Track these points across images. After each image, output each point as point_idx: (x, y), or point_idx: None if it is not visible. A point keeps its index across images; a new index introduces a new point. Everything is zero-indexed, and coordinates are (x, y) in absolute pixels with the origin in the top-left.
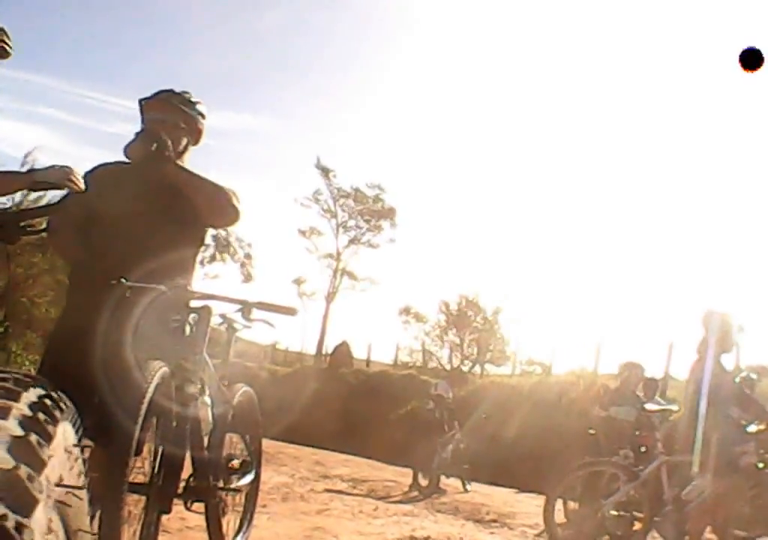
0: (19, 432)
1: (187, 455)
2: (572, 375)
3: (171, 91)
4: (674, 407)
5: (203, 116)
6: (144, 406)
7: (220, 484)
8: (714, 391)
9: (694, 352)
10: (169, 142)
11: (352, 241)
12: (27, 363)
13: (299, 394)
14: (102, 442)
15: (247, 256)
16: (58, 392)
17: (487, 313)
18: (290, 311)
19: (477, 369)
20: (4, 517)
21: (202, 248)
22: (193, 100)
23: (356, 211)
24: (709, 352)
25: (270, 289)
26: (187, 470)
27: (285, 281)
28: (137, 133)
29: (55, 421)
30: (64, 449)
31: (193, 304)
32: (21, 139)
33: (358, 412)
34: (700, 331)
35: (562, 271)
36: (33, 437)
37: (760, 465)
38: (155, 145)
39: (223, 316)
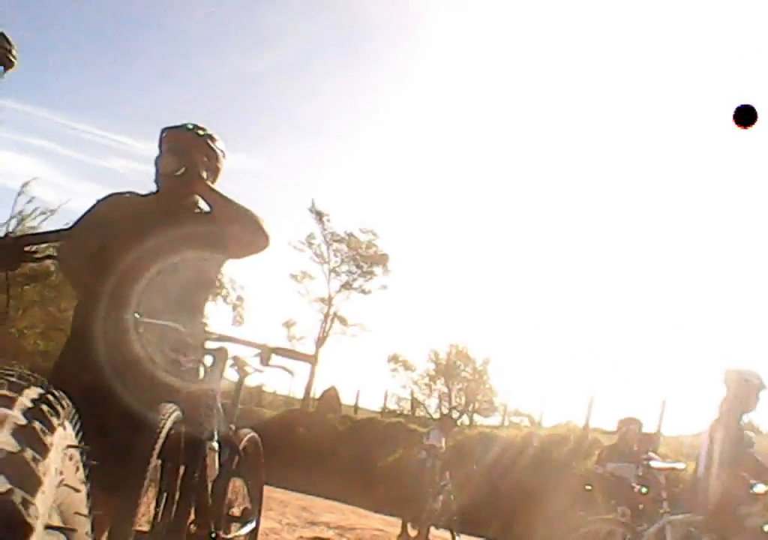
0: (23, 421)
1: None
2: (562, 428)
3: (195, 125)
4: (680, 465)
5: (224, 154)
6: (155, 453)
7: (221, 533)
8: (729, 451)
9: (715, 410)
10: (199, 163)
11: (344, 286)
12: None
13: (286, 437)
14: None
15: (239, 298)
16: (59, 392)
17: (477, 363)
18: (310, 359)
19: (465, 419)
20: (10, 491)
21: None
22: (215, 136)
23: (349, 256)
24: (730, 412)
25: (260, 332)
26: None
27: (275, 324)
28: (158, 157)
29: (56, 416)
30: (64, 446)
31: (209, 345)
32: (15, 169)
33: (345, 458)
34: (721, 390)
35: (554, 322)
36: (37, 425)
37: (766, 528)
38: (183, 167)
39: (235, 358)
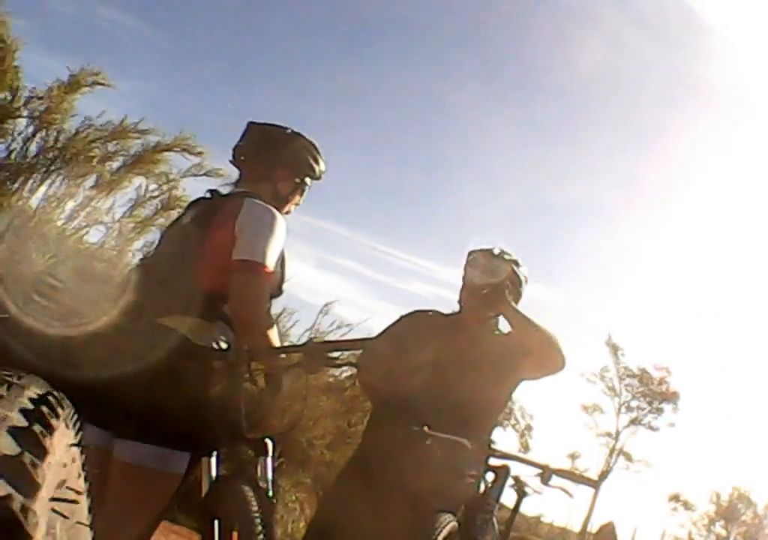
0: (23, 422)
1: None
2: None
3: (502, 249)
4: None
5: (527, 280)
6: None
7: None
8: None
9: None
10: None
11: (632, 422)
12: (294, 499)
13: None
14: None
15: (528, 427)
16: (59, 392)
17: (758, 508)
18: (592, 483)
19: None
20: (9, 496)
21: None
22: (520, 262)
23: (640, 391)
24: None
25: (543, 460)
26: None
27: (559, 454)
28: (465, 275)
29: (56, 416)
30: (65, 446)
31: (492, 461)
32: (317, 286)
33: None
34: None
35: None
36: (36, 427)
37: None
38: (490, 286)
39: (515, 478)
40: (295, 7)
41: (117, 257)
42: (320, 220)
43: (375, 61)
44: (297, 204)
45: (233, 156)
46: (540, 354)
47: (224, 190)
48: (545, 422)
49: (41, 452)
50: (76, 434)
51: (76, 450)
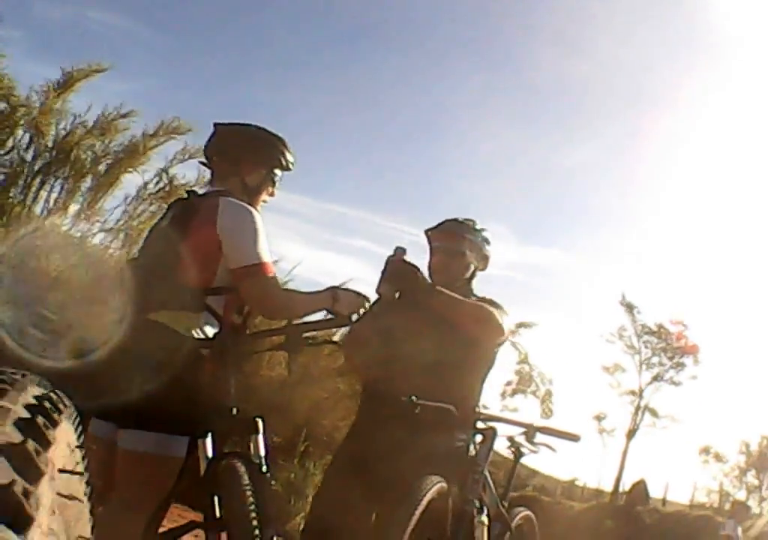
0: (26, 414)
1: None
2: None
3: (455, 220)
4: None
5: (488, 242)
6: (414, 518)
7: None
8: None
9: None
10: (419, 279)
11: (654, 378)
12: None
13: (594, 529)
14: None
15: (548, 392)
16: (59, 392)
17: None
18: (574, 437)
19: None
20: (13, 482)
21: (491, 370)
22: (477, 227)
23: (659, 347)
24: None
25: (568, 425)
26: None
27: (584, 417)
28: (383, 272)
29: (59, 413)
30: (66, 444)
31: (479, 425)
32: (333, 268)
33: None
34: None
35: None
36: (40, 419)
37: None
38: (398, 293)
39: (510, 439)
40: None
41: (123, 256)
42: (330, 203)
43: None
44: (271, 194)
45: (204, 157)
46: (472, 329)
47: (201, 191)
48: (568, 387)
49: (44, 442)
50: (76, 430)
51: (77, 447)
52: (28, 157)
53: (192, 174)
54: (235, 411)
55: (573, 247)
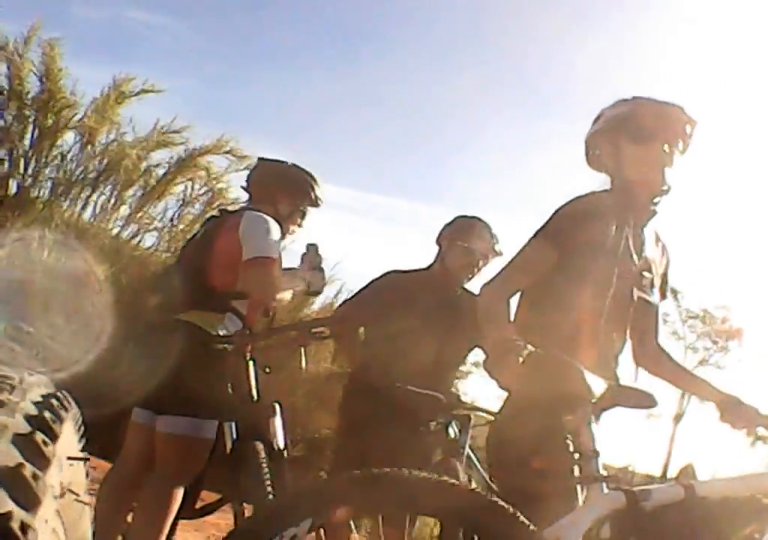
0: (25, 430)
1: None
2: None
3: (483, 221)
4: None
5: (497, 240)
6: None
7: None
8: None
9: None
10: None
11: (700, 363)
12: None
13: None
14: None
15: None
16: (63, 392)
17: None
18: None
19: None
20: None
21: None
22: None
23: (703, 332)
24: None
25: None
26: None
27: None
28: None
29: (65, 412)
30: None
31: (457, 412)
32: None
33: None
34: None
35: None
36: (38, 436)
37: None
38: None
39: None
40: None
41: (170, 259)
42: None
43: None
44: (299, 225)
45: (246, 183)
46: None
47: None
48: None
49: (43, 463)
50: (79, 431)
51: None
52: (77, 165)
53: (236, 180)
54: (255, 397)
55: None
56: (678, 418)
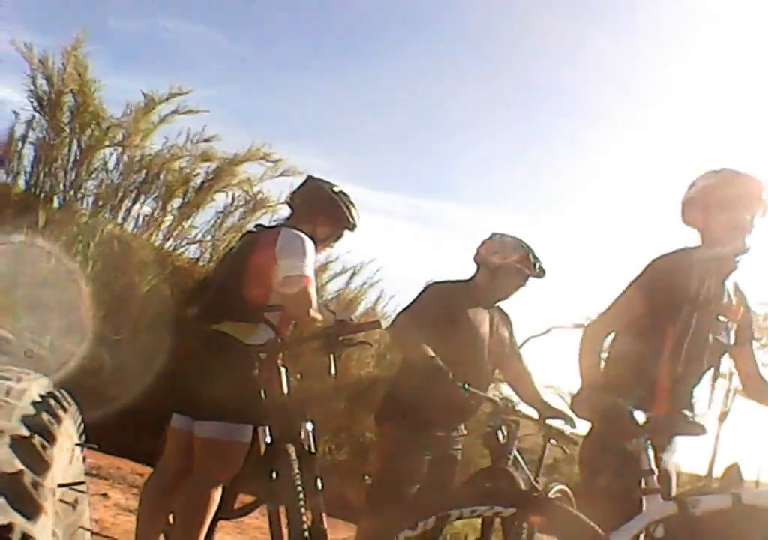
0: (31, 411)
1: None
2: None
3: (521, 240)
4: None
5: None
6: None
7: None
8: None
9: None
10: None
11: None
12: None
13: None
14: None
15: None
16: (62, 391)
17: None
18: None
19: None
20: (21, 472)
21: None
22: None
23: None
24: None
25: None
26: None
27: None
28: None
29: (63, 410)
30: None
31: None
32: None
33: None
34: None
35: None
36: (44, 415)
37: None
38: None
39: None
40: None
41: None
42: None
43: None
44: (331, 247)
45: (289, 198)
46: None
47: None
48: None
49: (50, 438)
50: (78, 429)
51: (77, 449)
52: (117, 176)
53: (277, 189)
54: (287, 402)
55: None
56: (723, 416)
